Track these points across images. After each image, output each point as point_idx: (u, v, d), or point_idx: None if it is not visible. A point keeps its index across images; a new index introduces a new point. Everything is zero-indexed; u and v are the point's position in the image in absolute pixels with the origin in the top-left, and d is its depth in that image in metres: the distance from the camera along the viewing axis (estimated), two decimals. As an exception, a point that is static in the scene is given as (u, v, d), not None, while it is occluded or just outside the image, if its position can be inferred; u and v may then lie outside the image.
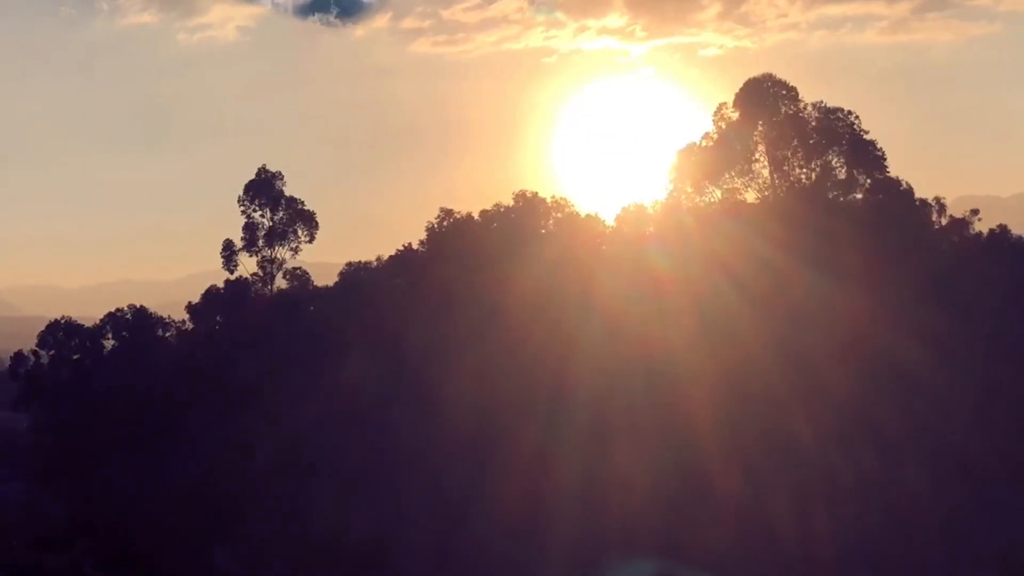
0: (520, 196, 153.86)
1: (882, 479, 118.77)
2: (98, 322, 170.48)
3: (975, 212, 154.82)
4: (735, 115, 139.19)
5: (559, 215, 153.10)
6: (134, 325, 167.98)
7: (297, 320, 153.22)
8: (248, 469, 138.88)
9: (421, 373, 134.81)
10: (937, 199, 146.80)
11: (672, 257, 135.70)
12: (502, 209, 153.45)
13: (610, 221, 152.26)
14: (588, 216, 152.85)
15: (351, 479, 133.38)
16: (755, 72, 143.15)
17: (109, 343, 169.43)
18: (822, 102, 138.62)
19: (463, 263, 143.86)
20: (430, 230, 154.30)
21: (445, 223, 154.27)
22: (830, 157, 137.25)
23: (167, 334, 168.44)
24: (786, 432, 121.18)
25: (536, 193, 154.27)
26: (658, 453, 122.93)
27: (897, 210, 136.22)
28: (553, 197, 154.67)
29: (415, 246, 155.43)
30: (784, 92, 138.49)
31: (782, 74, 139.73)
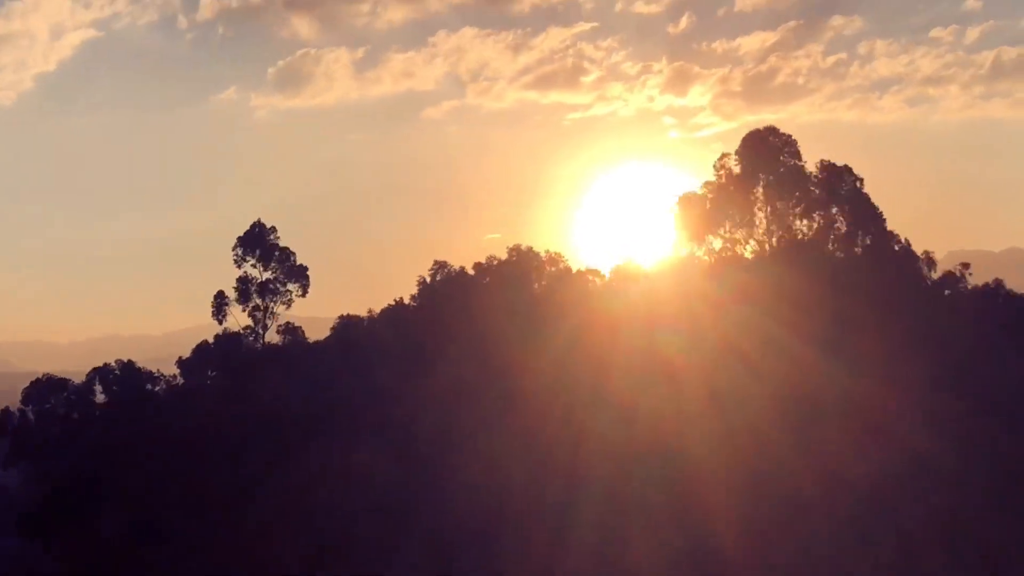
0: (514, 250, 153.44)
1: (899, 566, 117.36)
2: (87, 377, 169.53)
3: (966, 266, 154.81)
4: (736, 166, 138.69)
5: (553, 269, 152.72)
6: (122, 380, 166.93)
7: (292, 375, 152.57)
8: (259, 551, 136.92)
9: (434, 458, 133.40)
10: (926, 253, 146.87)
11: (682, 335, 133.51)
12: (495, 263, 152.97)
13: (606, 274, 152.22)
14: (583, 271, 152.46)
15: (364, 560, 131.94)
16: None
17: (100, 398, 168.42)
18: (825, 159, 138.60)
19: (458, 321, 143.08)
20: (422, 284, 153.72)
21: (438, 276, 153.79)
22: (831, 212, 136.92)
23: (156, 388, 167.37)
24: (802, 517, 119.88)
25: (531, 247, 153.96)
26: (672, 539, 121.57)
27: (898, 267, 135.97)
28: (547, 251, 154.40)
29: (407, 300, 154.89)
30: (786, 146, 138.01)
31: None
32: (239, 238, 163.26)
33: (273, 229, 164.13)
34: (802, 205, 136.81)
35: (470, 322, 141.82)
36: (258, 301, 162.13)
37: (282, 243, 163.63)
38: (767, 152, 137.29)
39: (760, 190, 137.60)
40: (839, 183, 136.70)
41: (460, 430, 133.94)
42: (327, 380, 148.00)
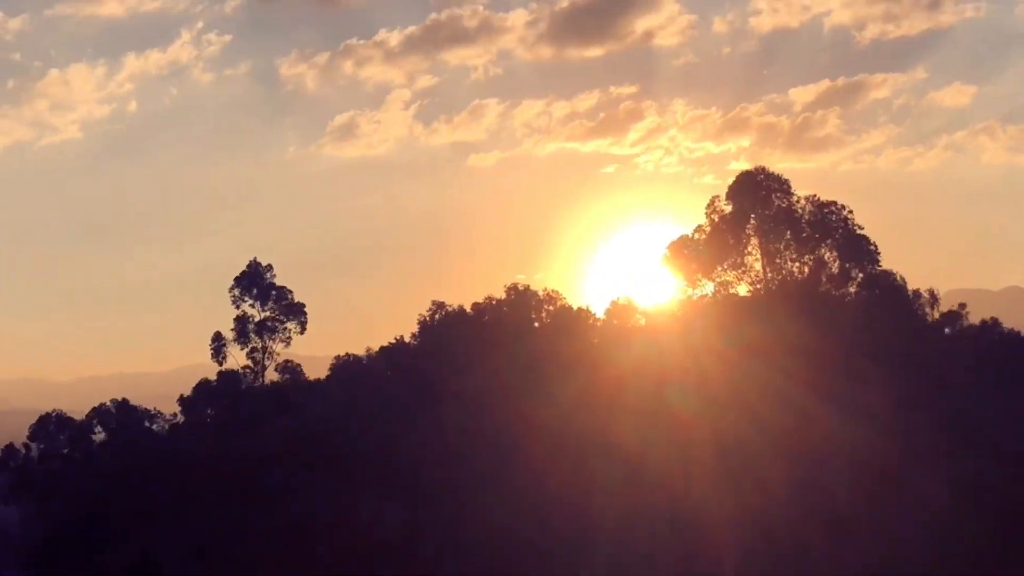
0: (511, 289, 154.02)
1: None
2: (86, 416, 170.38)
3: (963, 305, 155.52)
4: (728, 207, 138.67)
5: (551, 308, 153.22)
6: (120, 418, 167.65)
7: (290, 414, 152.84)
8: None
9: (438, 501, 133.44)
10: (931, 291, 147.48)
11: (686, 390, 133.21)
12: (494, 302, 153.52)
13: (601, 314, 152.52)
14: (579, 309, 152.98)
15: None
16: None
17: (100, 436, 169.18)
18: (815, 196, 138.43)
19: (456, 361, 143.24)
20: (422, 323, 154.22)
21: (437, 316, 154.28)
22: (823, 251, 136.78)
23: (155, 426, 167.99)
24: (808, 566, 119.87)
25: (528, 286, 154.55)
26: None
27: (891, 305, 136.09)
28: (545, 290, 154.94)
29: (407, 338, 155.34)
30: (777, 185, 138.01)
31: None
32: (236, 278, 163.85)
33: (269, 267, 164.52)
34: (794, 244, 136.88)
35: (469, 361, 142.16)
36: (256, 340, 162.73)
37: (280, 281, 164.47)
38: (758, 192, 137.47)
39: (752, 231, 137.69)
40: (830, 220, 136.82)
41: (463, 473, 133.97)
42: (326, 419, 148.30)
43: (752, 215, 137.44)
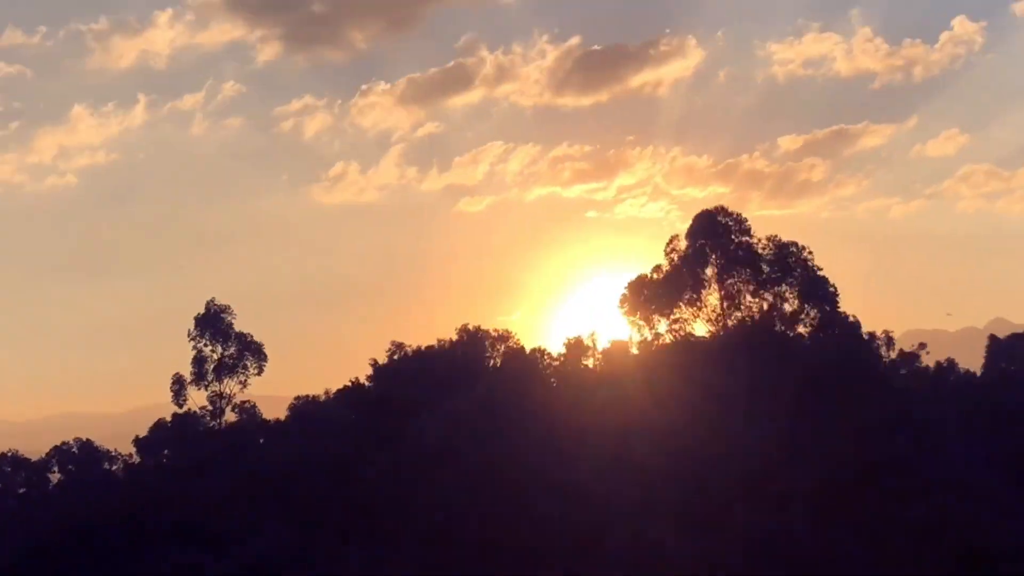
0: (463, 330, 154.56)
1: None
2: (44, 455, 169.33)
3: (923, 346, 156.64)
4: (686, 246, 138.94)
5: (503, 347, 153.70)
6: (80, 459, 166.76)
7: (247, 455, 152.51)
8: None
9: (400, 553, 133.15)
10: (886, 332, 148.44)
11: (640, 431, 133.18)
12: (447, 343, 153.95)
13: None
14: (533, 349, 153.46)
15: None
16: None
17: (55, 476, 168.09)
18: (775, 236, 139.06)
19: (411, 401, 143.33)
20: (375, 365, 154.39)
21: (395, 356, 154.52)
22: (783, 289, 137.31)
23: (114, 467, 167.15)
24: None
25: (479, 327, 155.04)
26: None
27: (845, 345, 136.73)
28: (496, 329, 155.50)
29: (363, 379, 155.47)
30: (736, 224, 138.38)
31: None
32: (195, 318, 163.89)
33: (227, 308, 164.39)
34: (753, 283, 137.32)
35: (422, 403, 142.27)
36: (215, 384, 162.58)
37: (245, 321, 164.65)
38: (717, 231, 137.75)
39: (710, 270, 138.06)
40: (789, 260, 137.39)
41: (421, 515, 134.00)
42: (283, 460, 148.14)
43: (711, 254, 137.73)
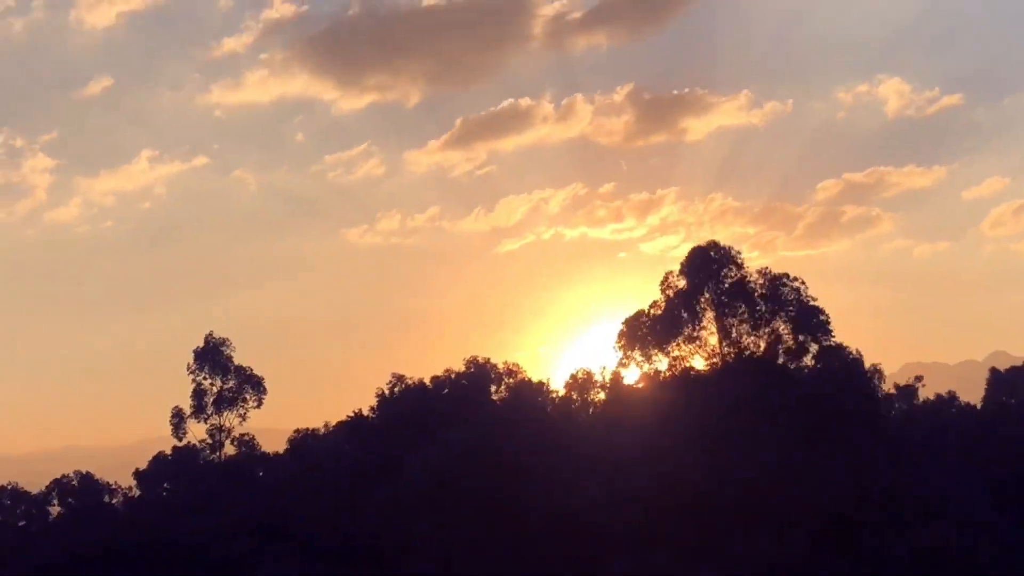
0: (471, 362, 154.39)
1: None
2: (44, 488, 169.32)
3: (919, 379, 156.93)
4: (681, 283, 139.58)
5: (510, 380, 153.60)
6: (80, 491, 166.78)
7: (247, 488, 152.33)
8: None
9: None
10: (874, 366, 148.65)
11: (641, 464, 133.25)
12: (453, 375, 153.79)
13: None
14: (539, 382, 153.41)
15: None
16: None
17: (56, 509, 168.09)
18: (767, 269, 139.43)
19: (416, 434, 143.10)
20: (380, 396, 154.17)
21: (396, 389, 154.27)
22: (777, 323, 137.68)
23: (114, 500, 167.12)
24: None
25: (488, 359, 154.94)
26: None
27: (845, 378, 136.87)
28: (505, 363, 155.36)
29: (365, 412, 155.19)
30: (729, 259, 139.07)
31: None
32: (195, 352, 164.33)
33: (226, 341, 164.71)
34: (748, 317, 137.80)
35: (426, 435, 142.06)
36: (215, 417, 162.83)
37: (248, 354, 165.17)
38: (711, 267, 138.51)
39: (706, 305, 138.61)
40: (783, 292, 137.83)
41: (422, 547, 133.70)
42: (283, 492, 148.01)
43: (706, 289, 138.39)
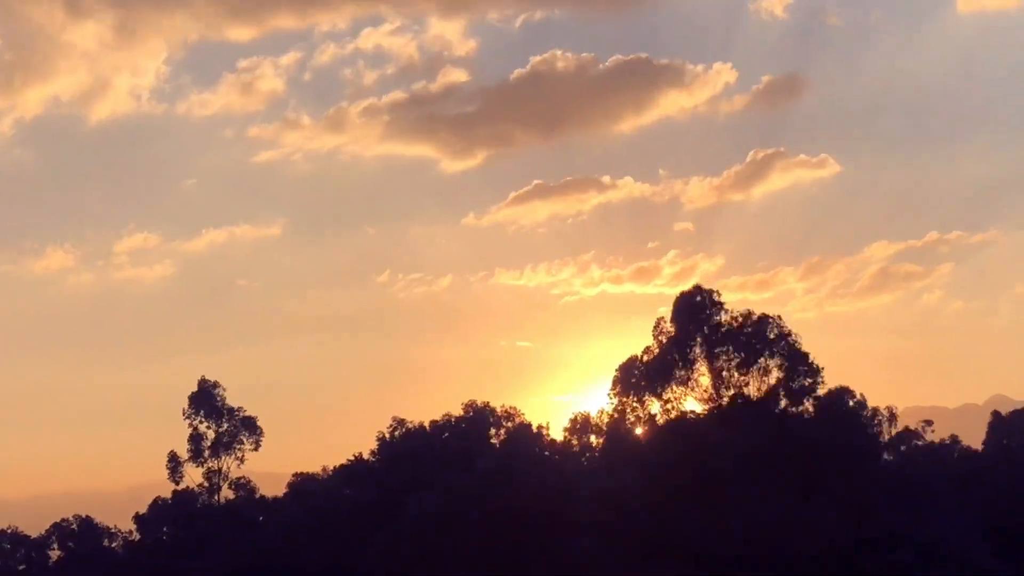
0: (469, 406, 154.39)
1: None
2: (44, 532, 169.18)
3: (929, 423, 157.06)
4: (672, 328, 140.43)
5: (509, 425, 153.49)
6: (80, 535, 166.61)
7: (245, 532, 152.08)
8: None
9: None
10: (889, 409, 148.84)
11: (636, 510, 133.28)
12: (452, 419, 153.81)
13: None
14: (537, 427, 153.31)
15: None
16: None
17: (55, 553, 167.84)
18: (749, 311, 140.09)
19: (416, 478, 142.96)
20: (381, 440, 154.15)
21: (396, 432, 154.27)
22: (765, 362, 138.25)
23: (114, 544, 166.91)
24: None
25: (487, 403, 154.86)
26: None
27: (845, 422, 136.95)
28: (503, 406, 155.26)
29: (365, 455, 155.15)
30: (713, 303, 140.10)
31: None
32: (189, 396, 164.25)
33: (219, 385, 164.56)
34: (737, 360, 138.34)
35: (426, 479, 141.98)
36: (212, 461, 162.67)
37: (231, 398, 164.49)
38: (699, 312, 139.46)
39: (697, 348, 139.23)
40: (769, 334, 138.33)
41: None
42: (281, 536, 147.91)
43: (696, 334, 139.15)
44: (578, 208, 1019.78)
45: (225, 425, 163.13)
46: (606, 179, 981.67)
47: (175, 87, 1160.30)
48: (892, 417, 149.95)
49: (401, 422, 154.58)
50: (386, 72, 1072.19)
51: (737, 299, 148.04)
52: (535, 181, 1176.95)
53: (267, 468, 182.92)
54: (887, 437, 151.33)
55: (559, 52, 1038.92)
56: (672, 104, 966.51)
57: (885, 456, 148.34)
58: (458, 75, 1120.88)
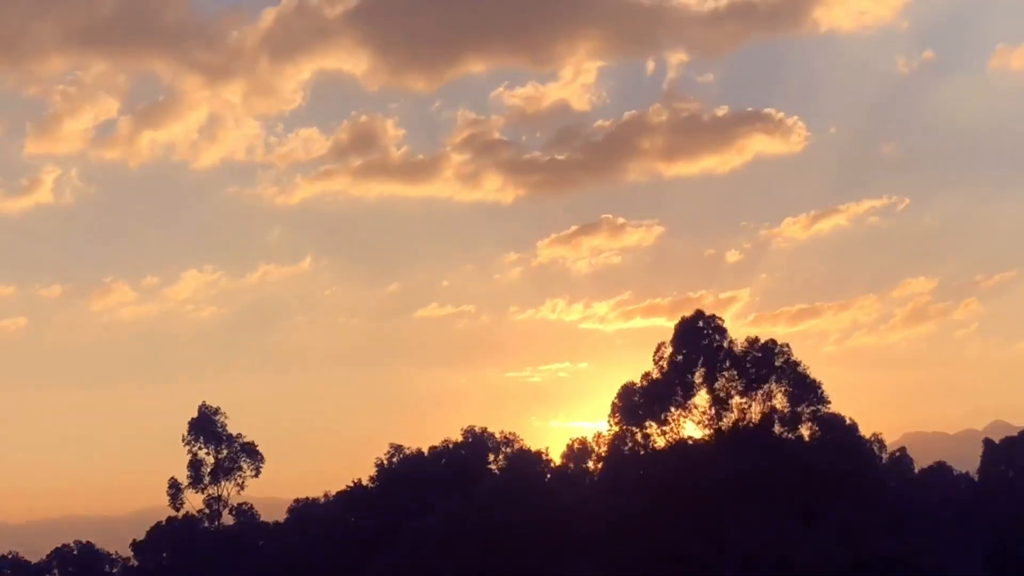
0: (468, 432, 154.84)
1: None
2: (44, 558, 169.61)
3: (930, 450, 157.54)
4: (672, 353, 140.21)
5: (508, 450, 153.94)
6: (80, 561, 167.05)
7: (244, 558, 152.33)
8: None
9: None
10: (875, 435, 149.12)
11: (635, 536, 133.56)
12: (451, 445, 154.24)
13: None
14: (536, 452, 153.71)
15: None
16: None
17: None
18: (755, 337, 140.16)
19: (415, 504, 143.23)
20: (379, 466, 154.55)
21: (395, 459, 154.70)
22: (770, 387, 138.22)
23: (113, 570, 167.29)
24: None
25: (485, 428, 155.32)
26: None
27: (842, 447, 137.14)
28: (502, 432, 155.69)
29: (365, 481, 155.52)
30: (716, 328, 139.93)
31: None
32: (189, 423, 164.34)
33: (219, 410, 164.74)
34: (740, 385, 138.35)
35: (425, 505, 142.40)
36: (212, 487, 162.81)
37: (232, 424, 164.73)
38: (700, 337, 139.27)
39: (698, 374, 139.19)
40: (772, 359, 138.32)
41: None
42: (281, 562, 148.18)
43: (697, 359, 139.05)
44: (614, 246, 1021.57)
45: (225, 451, 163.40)
46: (646, 221, 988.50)
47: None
48: (881, 444, 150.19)
49: (398, 448, 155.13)
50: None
51: (767, 332, 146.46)
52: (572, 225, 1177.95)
53: (267, 494, 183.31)
54: (884, 462, 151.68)
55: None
56: (749, 150, 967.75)
57: (884, 481, 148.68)
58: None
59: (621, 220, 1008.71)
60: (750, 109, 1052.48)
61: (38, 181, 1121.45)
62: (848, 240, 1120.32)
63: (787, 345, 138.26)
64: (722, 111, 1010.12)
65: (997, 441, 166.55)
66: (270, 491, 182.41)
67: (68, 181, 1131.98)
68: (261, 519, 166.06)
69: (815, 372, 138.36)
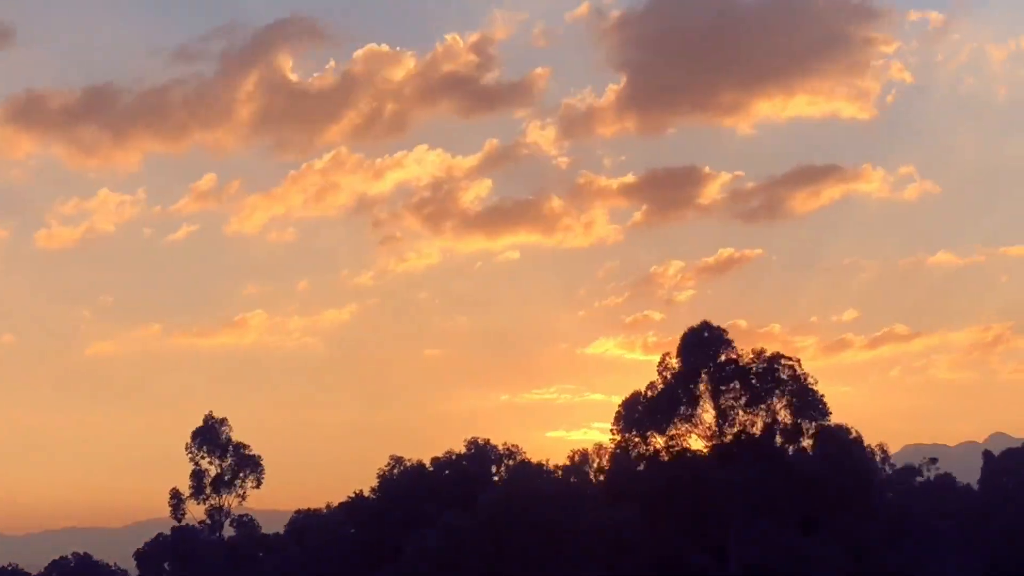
0: (471, 443, 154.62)
1: None
2: (44, 569, 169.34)
3: (934, 460, 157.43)
4: (677, 364, 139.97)
5: (510, 462, 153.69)
6: (79, 572, 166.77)
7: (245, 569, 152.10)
8: None
9: None
10: (881, 446, 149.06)
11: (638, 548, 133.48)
12: (453, 456, 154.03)
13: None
14: (538, 463, 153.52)
15: None
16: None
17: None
18: (762, 349, 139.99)
19: (416, 516, 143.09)
20: (382, 477, 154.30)
21: (396, 470, 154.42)
22: (774, 401, 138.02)
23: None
24: None
25: (488, 440, 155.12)
26: None
27: (844, 460, 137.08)
28: (504, 444, 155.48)
29: (366, 493, 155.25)
30: (722, 339, 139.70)
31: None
32: (193, 432, 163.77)
33: (224, 421, 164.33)
34: (745, 397, 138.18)
35: (427, 516, 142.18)
36: (214, 498, 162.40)
37: (237, 434, 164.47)
38: (706, 349, 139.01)
39: (703, 385, 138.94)
40: (779, 373, 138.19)
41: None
42: (283, 573, 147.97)
43: (702, 371, 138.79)
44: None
45: (228, 461, 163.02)
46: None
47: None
48: (885, 455, 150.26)
49: (399, 460, 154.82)
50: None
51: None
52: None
53: (269, 505, 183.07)
54: (885, 474, 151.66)
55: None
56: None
57: (886, 493, 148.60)
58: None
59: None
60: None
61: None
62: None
63: (794, 358, 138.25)
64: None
65: (997, 454, 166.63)
66: (271, 502, 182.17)
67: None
68: (262, 530, 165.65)
69: (819, 382, 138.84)
